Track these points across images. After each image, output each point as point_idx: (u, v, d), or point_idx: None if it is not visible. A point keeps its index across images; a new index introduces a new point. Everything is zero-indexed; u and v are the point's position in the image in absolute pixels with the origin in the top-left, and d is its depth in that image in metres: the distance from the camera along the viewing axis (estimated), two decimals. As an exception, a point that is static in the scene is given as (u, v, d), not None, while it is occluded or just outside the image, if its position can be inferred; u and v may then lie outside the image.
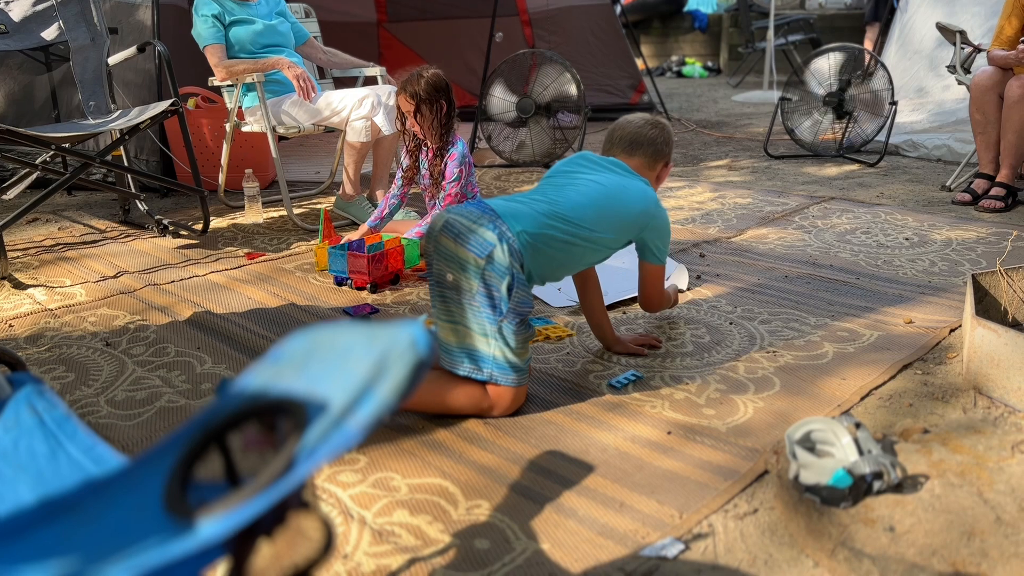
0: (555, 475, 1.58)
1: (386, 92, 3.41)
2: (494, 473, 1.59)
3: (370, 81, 3.81)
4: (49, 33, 3.31)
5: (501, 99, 4.53)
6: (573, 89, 4.37)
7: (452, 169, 2.86)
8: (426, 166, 2.95)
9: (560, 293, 2.53)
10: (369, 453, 1.67)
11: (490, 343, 1.76)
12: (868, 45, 8.10)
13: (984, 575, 1.20)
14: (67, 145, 2.99)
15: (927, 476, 1.44)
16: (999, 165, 3.63)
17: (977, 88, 3.61)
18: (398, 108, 2.88)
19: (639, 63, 6.54)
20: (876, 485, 1.37)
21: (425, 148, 2.94)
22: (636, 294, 2.49)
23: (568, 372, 2.03)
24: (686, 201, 3.81)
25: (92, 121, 3.26)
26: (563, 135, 4.52)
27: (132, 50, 3.48)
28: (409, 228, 3.00)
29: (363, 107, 3.31)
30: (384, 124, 3.36)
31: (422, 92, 2.76)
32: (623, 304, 2.47)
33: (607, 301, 2.44)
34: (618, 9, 6.48)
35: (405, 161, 2.99)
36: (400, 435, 1.74)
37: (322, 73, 3.90)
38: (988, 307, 2.09)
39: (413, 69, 2.82)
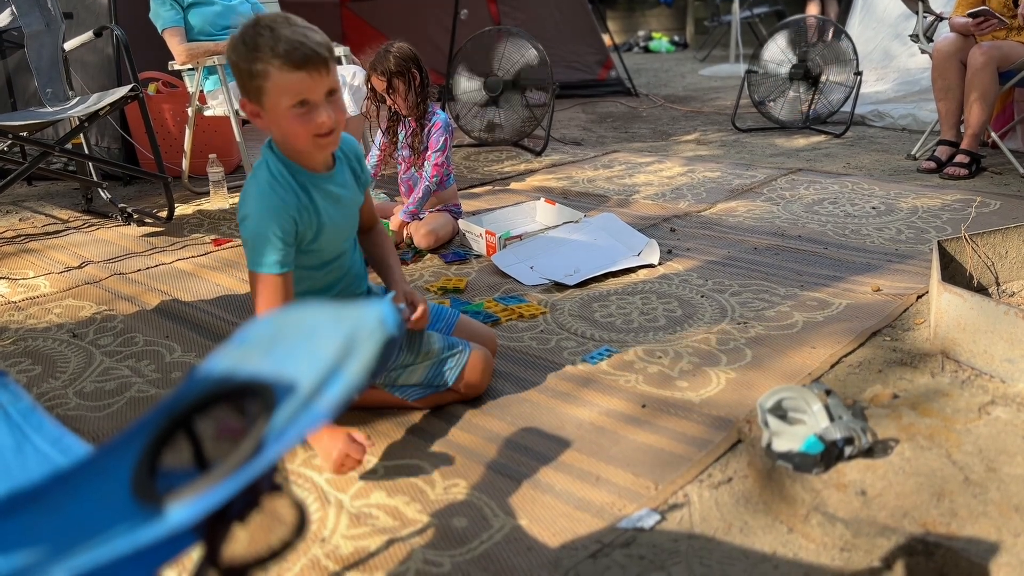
0: (531, 451, 1.58)
1: (350, 72, 3.37)
2: (470, 452, 1.59)
3: (334, 62, 3.76)
4: (1, 19, 3.23)
5: (468, 80, 4.49)
6: (537, 59, 4.33)
7: (438, 138, 2.84)
8: (403, 140, 2.92)
9: (532, 271, 2.52)
10: (344, 436, 1.66)
11: (409, 373, 1.73)
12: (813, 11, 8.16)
13: (954, 534, 1.22)
14: (25, 134, 2.93)
15: (897, 440, 1.46)
16: (961, 131, 3.67)
17: (939, 55, 3.65)
18: (372, 90, 2.85)
19: (606, 39, 6.52)
20: (847, 450, 1.39)
21: (404, 122, 2.91)
22: (611, 269, 2.50)
23: (542, 349, 2.03)
24: (656, 176, 3.82)
25: (50, 108, 3.19)
26: (532, 113, 4.50)
27: (88, 35, 3.40)
28: (387, 210, 2.98)
29: (328, 88, 3.27)
30: (349, 105, 3.32)
31: (393, 66, 2.73)
32: (598, 280, 2.46)
33: (578, 279, 2.44)
34: (584, -16, 6.45)
35: (380, 139, 2.97)
36: (375, 417, 1.73)
37: (285, 54, 3.83)
38: (954, 273, 2.12)
39: (379, 47, 2.80)
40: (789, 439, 1.41)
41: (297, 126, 1.47)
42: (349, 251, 1.73)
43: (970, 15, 3.48)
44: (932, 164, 3.64)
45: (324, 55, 1.45)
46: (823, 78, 4.70)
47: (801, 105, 4.84)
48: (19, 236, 3.20)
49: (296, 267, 1.61)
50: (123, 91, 3.07)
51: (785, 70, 4.74)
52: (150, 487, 0.65)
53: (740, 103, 4.97)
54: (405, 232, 2.84)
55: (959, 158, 3.55)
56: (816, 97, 4.76)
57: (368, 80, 2.84)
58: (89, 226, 3.30)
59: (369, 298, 1.84)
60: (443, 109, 3.02)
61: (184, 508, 0.61)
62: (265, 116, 1.51)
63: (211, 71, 3.40)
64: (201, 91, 3.50)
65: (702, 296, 2.32)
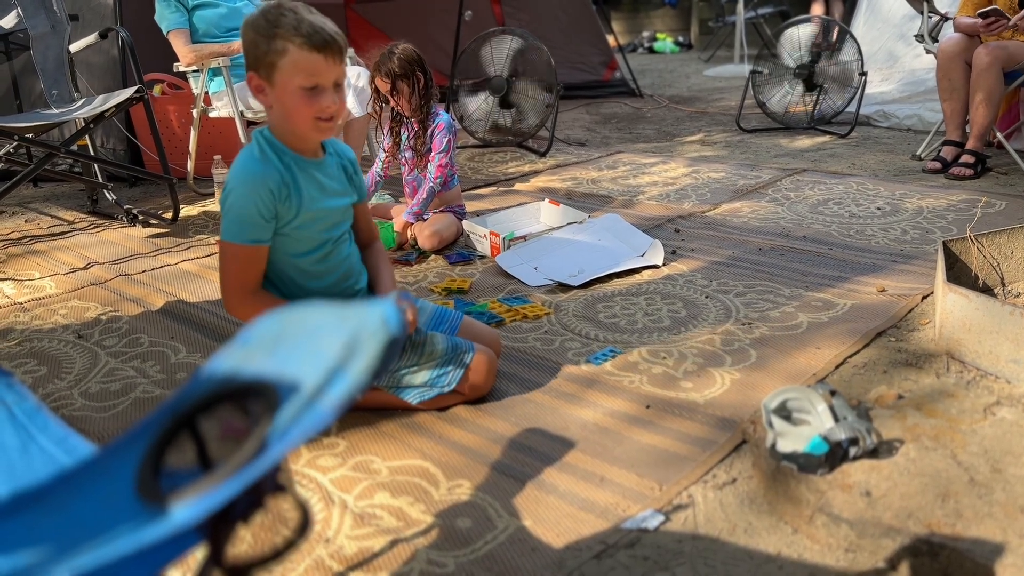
0: (535, 452, 1.58)
1: (355, 74, 3.37)
2: (475, 453, 1.59)
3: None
4: (7, 21, 3.24)
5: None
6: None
7: (441, 139, 2.84)
8: (406, 142, 2.92)
9: (536, 272, 2.52)
10: (349, 437, 1.66)
11: (411, 377, 1.73)
12: (817, 11, 8.16)
13: (959, 535, 1.22)
14: (31, 135, 2.93)
15: (902, 440, 1.46)
16: (966, 132, 3.66)
17: (944, 55, 3.64)
18: (375, 90, 2.85)
19: (610, 40, 6.52)
20: (852, 451, 1.39)
21: (407, 123, 2.91)
22: (615, 269, 2.50)
23: (546, 350, 2.03)
24: (660, 177, 3.81)
25: (55, 110, 3.20)
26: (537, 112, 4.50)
27: (94, 37, 3.42)
28: (390, 211, 2.98)
29: (332, 89, 3.27)
30: (354, 106, 3.32)
31: (397, 68, 2.73)
32: (602, 281, 2.46)
33: (582, 280, 2.44)
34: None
35: (386, 141, 2.97)
36: (380, 418, 1.73)
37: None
38: (959, 273, 2.11)
39: (383, 48, 2.79)
40: (794, 440, 1.41)
41: (302, 105, 1.51)
42: (336, 243, 1.72)
43: (980, 15, 3.47)
44: (937, 164, 3.63)
45: (340, 44, 1.52)
46: (825, 85, 4.69)
47: (796, 106, 4.84)
48: (25, 237, 3.21)
49: (281, 252, 1.64)
50: (128, 93, 3.07)
51: (793, 64, 4.73)
52: (154, 487, 0.65)
53: (744, 104, 4.97)
54: (409, 233, 2.84)
55: (964, 158, 3.54)
56: (820, 97, 4.74)
57: (372, 81, 2.84)
58: (94, 227, 3.31)
59: (369, 297, 1.84)
60: (448, 110, 3.02)
61: (188, 508, 0.61)
62: (271, 92, 1.53)
63: (216, 73, 3.40)
64: (206, 93, 3.50)
65: (706, 297, 2.31)
